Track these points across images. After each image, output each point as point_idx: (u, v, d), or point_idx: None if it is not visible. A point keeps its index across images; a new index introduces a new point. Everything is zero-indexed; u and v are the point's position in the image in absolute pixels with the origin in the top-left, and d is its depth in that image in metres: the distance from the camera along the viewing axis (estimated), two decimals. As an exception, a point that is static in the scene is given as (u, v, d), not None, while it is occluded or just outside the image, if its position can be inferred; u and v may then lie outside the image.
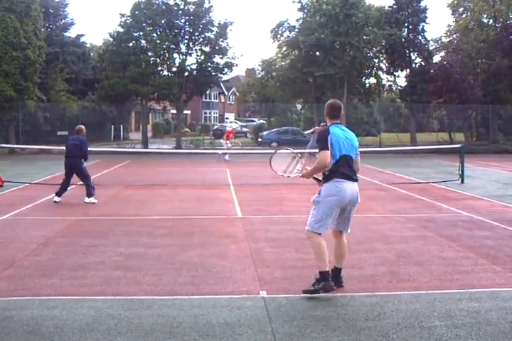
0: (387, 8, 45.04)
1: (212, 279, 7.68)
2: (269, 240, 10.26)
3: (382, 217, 13.04)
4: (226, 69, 43.18)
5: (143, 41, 41.29)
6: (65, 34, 48.15)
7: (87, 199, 14.90)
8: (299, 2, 44.15)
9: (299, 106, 61.45)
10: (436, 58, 47.86)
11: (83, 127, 15.55)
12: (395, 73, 46.02)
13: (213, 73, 42.86)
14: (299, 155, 7.77)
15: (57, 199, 14.96)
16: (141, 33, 40.78)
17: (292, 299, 6.85)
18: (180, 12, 41.07)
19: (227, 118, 79.55)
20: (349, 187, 7.02)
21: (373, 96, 47.17)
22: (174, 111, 53.83)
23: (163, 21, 40.47)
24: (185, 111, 60.21)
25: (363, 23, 40.13)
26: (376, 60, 45.15)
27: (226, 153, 31.76)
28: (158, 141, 51.67)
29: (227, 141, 33.85)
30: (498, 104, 44.09)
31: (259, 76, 68.03)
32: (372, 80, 46.32)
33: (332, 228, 7.26)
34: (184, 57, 41.68)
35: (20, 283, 7.45)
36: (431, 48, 47.72)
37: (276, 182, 19.88)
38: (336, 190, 6.96)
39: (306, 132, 32.35)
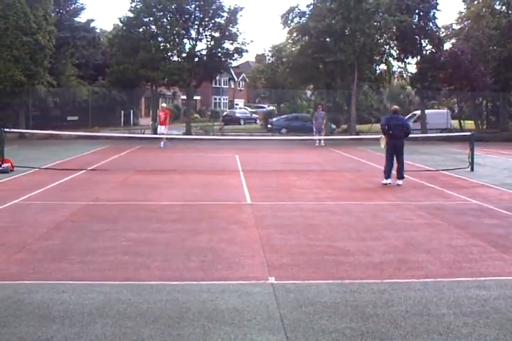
0: (398, -6, 44.62)
1: (221, 265, 7.71)
2: (277, 226, 10.28)
3: (391, 204, 13.04)
4: (236, 55, 42.98)
5: (153, 26, 40.98)
6: (75, 19, 47.88)
7: None
8: (310, -12, 43.79)
9: (308, 93, 61.20)
10: (447, 45, 47.53)
11: None
12: (405, 60, 45.65)
13: (223, 59, 42.68)
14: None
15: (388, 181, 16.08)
16: (151, 18, 40.49)
17: (301, 285, 6.87)
18: (191, -3, 40.84)
19: (237, 105, 79.46)
20: None
21: (383, 82, 46.81)
22: (184, 97, 53.69)
23: (173, 6, 40.14)
24: (195, 97, 60.08)
25: (373, 9, 39.68)
26: (387, 47, 44.68)
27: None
28: (168, 126, 51.44)
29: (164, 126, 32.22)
30: (509, 92, 43.77)
31: (269, 62, 67.73)
32: (383, 67, 45.94)
33: None
34: (194, 42, 41.51)
35: (31, 267, 7.51)
36: (442, 35, 47.32)
37: (286, 169, 19.92)
38: None
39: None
